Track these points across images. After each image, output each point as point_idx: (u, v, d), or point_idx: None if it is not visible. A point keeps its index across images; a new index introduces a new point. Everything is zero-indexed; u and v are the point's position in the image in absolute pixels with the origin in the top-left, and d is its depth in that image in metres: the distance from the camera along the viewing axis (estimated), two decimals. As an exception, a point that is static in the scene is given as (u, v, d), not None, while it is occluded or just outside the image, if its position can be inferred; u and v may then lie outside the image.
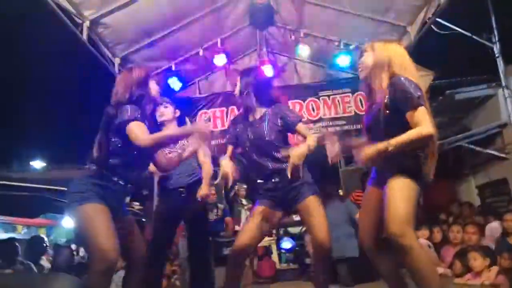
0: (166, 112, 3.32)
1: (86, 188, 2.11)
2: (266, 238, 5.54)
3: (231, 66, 6.31)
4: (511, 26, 5.44)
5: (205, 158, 3.30)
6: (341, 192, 7.55)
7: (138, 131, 2.13)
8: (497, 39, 5.16)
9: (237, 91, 2.62)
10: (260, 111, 2.59)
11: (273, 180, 2.50)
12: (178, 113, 3.43)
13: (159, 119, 3.34)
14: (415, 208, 1.98)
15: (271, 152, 2.47)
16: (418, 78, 2.07)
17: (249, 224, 2.55)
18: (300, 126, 2.51)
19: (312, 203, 2.44)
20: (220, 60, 5.55)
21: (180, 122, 3.55)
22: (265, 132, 2.48)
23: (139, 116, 2.17)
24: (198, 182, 3.22)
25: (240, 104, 2.63)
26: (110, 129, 2.20)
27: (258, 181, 2.57)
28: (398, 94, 1.99)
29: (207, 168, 3.28)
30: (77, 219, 2.12)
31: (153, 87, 2.39)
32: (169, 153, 2.83)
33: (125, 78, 2.33)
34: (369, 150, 1.99)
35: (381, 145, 1.96)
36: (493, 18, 5.13)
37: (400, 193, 1.97)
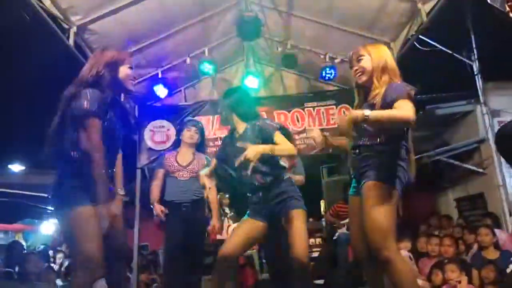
0: (196, 137, 3.72)
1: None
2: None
3: (218, 75, 6.36)
4: (489, 45, 5.64)
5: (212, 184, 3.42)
6: (323, 203, 7.65)
7: (92, 130, 2.00)
8: (476, 57, 5.33)
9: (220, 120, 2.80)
10: (242, 127, 2.64)
11: (260, 194, 2.55)
12: (199, 139, 3.78)
13: (187, 140, 3.70)
14: (394, 215, 2.02)
15: (256, 167, 2.48)
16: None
17: (237, 232, 2.59)
18: (277, 135, 2.51)
19: (296, 217, 2.48)
20: (207, 68, 5.58)
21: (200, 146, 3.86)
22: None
23: (96, 109, 2.00)
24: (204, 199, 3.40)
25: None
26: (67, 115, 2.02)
27: (248, 194, 2.65)
28: (393, 89, 2.04)
29: (214, 196, 3.59)
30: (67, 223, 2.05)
31: (124, 72, 2.18)
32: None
33: (94, 58, 2.18)
34: (346, 117, 1.96)
35: (359, 113, 1.93)
36: (473, 37, 5.31)
37: (377, 202, 1.99)
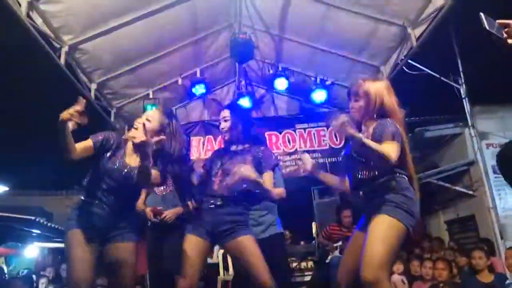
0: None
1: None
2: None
3: (209, 96, 6.37)
4: (476, 70, 5.78)
5: None
6: (314, 226, 7.55)
7: None
8: (463, 81, 5.44)
9: (226, 126, 2.60)
10: (242, 146, 2.62)
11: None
12: None
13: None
14: (395, 249, 1.97)
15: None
16: (402, 118, 2.16)
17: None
18: (265, 176, 2.49)
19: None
20: (199, 89, 5.59)
21: None
22: (245, 161, 2.47)
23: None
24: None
25: (224, 136, 2.62)
26: None
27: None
28: (380, 128, 2.06)
29: None
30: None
31: None
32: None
33: None
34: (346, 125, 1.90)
35: (354, 131, 1.91)
36: (459, 62, 5.44)
37: (380, 234, 1.95)
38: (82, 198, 2.19)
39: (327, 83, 5.65)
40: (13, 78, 4.26)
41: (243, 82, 6.08)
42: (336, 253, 5.20)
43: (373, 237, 1.96)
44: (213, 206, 2.48)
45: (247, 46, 4.30)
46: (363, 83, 2.24)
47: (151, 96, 5.74)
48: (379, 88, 2.22)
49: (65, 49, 4.25)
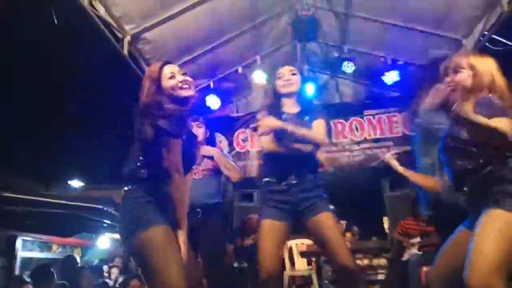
0: (200, 132, 3.18)
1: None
2: (306, 267, 5.14)
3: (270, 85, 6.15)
4: None
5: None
6: (385, 220, 7.04)
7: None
8: None
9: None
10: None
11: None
12: (208, 133, 3.31)
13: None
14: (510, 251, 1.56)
15: None
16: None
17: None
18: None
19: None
20: (259, 77, 5.39)
21: (209, 142, 3.41)
22: None
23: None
24: (218, 204, 3.05)
25: None
26: None
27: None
28: (484, 103, 1.73)
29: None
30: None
31: (167, 84, 1.91)
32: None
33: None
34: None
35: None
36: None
37: (493, 232, 1.57)
38: None
39: (399, 63, 5.15)
40: (79, 72, 4.34)
41: (305, 68, 5.77)
42: (414, 250, 4.74)
43: (483, 236, 1.58)
44: (288, 185, 2.24)
45: (311, 24, 3.99)
46: (466, 56, 1.91)
47: (212, 87, 5.66)
48: (487, 63, 1.86)
49: (127, 39, 4.24)
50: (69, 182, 10.08)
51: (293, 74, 2.41)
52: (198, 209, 2.97)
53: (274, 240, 2.18)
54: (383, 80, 5.26)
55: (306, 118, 2.33)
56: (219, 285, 2.99)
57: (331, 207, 3.08)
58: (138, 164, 1.79)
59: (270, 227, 2.20)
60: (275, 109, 2.38)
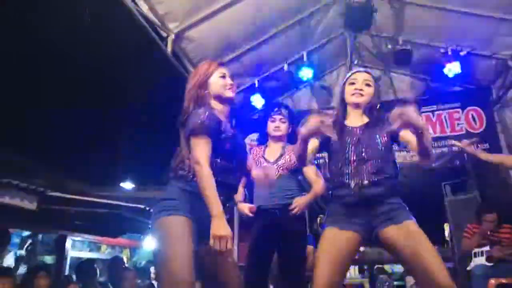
0: (283, 127, 3.01)
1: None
2: (358, 276, 4.80)
3: (317, 83, 5.87)
4: None
5: (317, 177, 2.84)
6: (446, 227, 6.47)
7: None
8: None
9: None
10: None
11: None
12: (290, 129, 3.05)
13: (272, 133, 3.03)
14: None
15: None
16: None
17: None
18: None
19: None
20: (306, 73, 5.15)
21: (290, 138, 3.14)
22: None
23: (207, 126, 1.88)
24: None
25: None
26: None
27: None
28: None
29: (319, 187, 2.80)
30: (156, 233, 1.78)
31: (216, 83, 2.02)
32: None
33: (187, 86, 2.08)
34: None
35: None
36: None
37: None
38: None
39: (462, 53, 4.67)
40: (124, 74, 4.33)
41: (356, 63, 5.43)
42: (482, 259, 4.24)
43: None
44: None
45: (365, 11, 3.68)
46: None
47: (256, 86, 5.50)
48: None
49: (171, 37, 4.18)
50: (121, 184, 10.39)
51: (367, 85, 2.14)
52: (273, 210, 2.84)
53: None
54: (443, 73, 4.81)
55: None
56: None
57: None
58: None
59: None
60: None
